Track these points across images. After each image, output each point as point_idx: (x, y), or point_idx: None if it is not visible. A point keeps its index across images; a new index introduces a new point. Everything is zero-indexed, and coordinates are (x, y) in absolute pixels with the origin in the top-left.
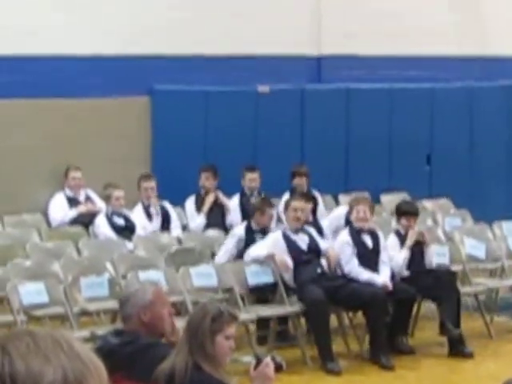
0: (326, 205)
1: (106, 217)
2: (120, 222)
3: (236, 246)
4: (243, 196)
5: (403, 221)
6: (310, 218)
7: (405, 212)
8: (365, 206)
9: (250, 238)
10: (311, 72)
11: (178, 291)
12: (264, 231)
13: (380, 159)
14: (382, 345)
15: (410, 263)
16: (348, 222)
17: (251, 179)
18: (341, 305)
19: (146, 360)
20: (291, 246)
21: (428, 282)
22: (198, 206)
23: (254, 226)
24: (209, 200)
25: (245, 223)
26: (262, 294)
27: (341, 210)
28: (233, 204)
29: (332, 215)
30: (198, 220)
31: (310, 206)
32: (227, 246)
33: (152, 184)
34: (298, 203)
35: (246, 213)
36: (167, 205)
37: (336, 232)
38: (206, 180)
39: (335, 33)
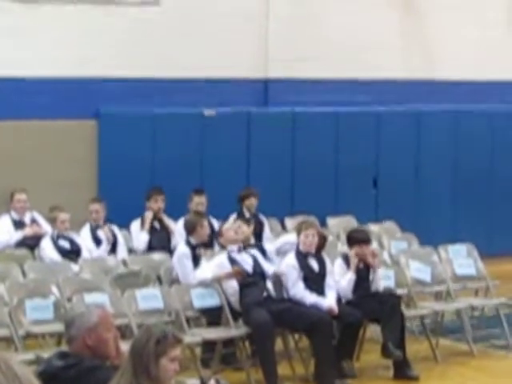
0: (271, 228)
1: (52, 240)
2: (65, 244)
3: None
4: None
5: (357, 249)
6: (252, 241)
7: (357, 240)
8: (313, 230)
9: (193, 255)
10: (257, 95)
11: (123, 314)
12: (203, 245)
13: (326, 183)
14: (327, 368)
15: (355, 287)
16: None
17: (198, 203)
18: (286, 328)
19: (89, 383)
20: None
21: (373, 306)
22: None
23: (192, 241)
24: (148, 217)
25: (183, 242)
26: (213, 318)
27: (293, 238)
28: (178, 227)
29: (283, 240)
30: (141, 238)
31: (251, 228)
32: (188, 269)
33: (97, 206)
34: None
35: None
36: (115, 228)
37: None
38: (155, 203)
39: (282, 57)
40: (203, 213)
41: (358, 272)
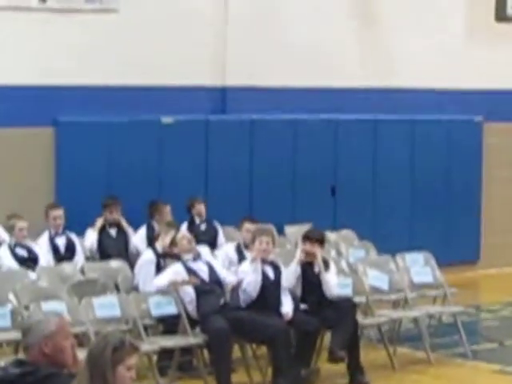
0: (228, 236)
1: (9, 248)
2: (23, 253)
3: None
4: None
5: (306, 246)
6: None
7: (308, 237)
8: (268, 237)
9: (157, 263)
10: (215, 103)
11: (81, 322)
12: (169, 255)
13: (284, 190)
14: (284, 376)
15: (310, 294)
16: (240, 254)
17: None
18: (244, 339)
19: None
20: (192, 276)
21: (329, 314)
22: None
23: (158, 249)
24: (98, 221)
25: (149, 249)
26: (171, 326)
27: (229, 248)
28: (138, 237)
29: (222, 253)
30: (89, 237)
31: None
32: (150, 276)
33: (60, 212)
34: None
35: None
36: (73, 236)
37: (229, 267)
38: (110, 214)
39: (240, 64)
40: (173, 222)
41: (313, 277)
